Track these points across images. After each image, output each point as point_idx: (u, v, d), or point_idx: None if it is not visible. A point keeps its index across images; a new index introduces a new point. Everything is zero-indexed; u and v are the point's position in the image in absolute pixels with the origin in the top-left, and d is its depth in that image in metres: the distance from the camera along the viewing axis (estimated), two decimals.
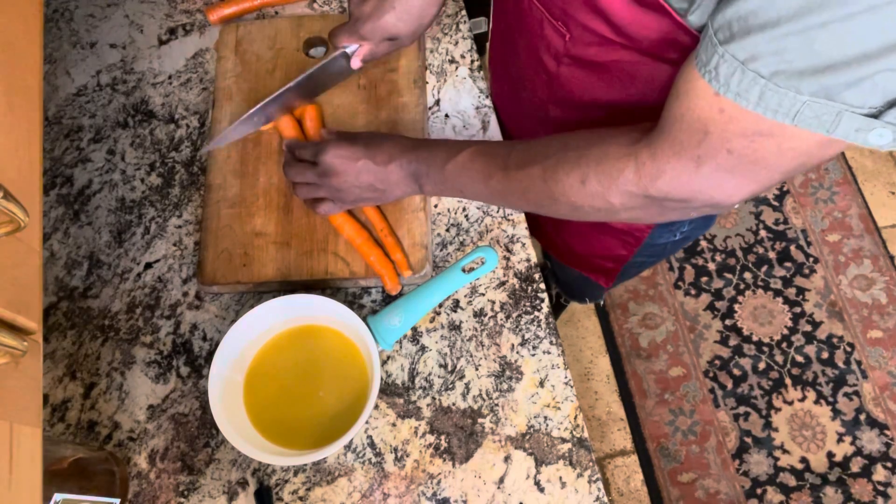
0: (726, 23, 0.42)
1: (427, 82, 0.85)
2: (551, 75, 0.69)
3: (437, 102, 0.84)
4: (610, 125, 0.70)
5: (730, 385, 1.63)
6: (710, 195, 0.51)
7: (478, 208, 0.78)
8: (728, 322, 1.69)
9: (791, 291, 1.72)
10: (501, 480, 0.67)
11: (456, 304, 0.74)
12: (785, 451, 1.56)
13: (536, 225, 1.01)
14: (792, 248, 1.77)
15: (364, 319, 0.67)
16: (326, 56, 0.71)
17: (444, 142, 0.68)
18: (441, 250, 0.77)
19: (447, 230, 0.78)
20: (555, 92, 0.71)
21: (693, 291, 1.72)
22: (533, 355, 0.72)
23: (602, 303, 1.70)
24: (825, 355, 1.65)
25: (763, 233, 1.79)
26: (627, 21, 0.54)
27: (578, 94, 0.68)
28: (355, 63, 0.71)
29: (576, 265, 1.02)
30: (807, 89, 0.40)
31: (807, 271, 1.74)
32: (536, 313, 0.73)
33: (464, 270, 0.72)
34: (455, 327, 0.73)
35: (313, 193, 0.71)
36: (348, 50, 0.70)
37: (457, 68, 0.86)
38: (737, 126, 0.45)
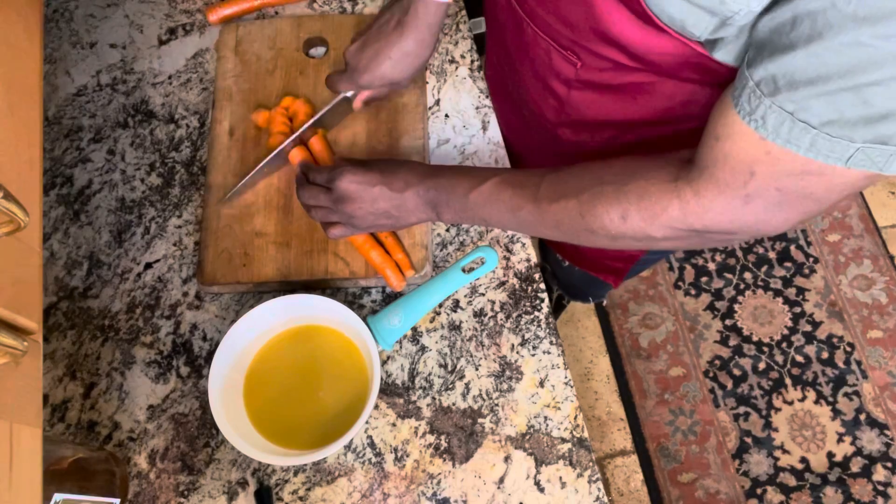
0: (769, 76, 0.42)
1: (427, 82, 0.85)
2: (561, 99, 0.68)
3: (437, 102, 0.84)
4: (627, 143, 0.69)
5: (730, 385, 1.63)
6: (757, 228, 0.51)
7: None
8: (728, 322, 1.69)
9: (791, 291, 1.72)
10: (501, 480, 0.67)
11: (456, 304, 0.74)
12: (785, 451, 1.56)
13: None
14: (792, 248, 1.77)
15: (364, 319, 0.67)
16: (329, 103, 0.74)
17: (463, 169, 0.66)
18: (441, 250, 0.77)
19: (447, 230, 0.78)
20: (566, 114, 0.70)
21: (693, 291, 1.72)
22: (533, 355, 0.72)
23: (603, 302, 1.70)
24: (825, 355, 1.65)
25: None
26: (643, 48, 0.53)
27: (592, 115, 0.67)
28: (357, 106, 0.72)
29: (585, 266, 1.01)
30: (860, 138, 0.40)
31: (807, 271, 1.74)
32: (536, 313, 0.73)
33: (464, 270, 0.72)
34: (455, 327, 0.73)
35: (327, 218, 0.69)
36: (349, 94, 0.71)
37: (457, 68, 0.86)
38: (785, 167, 0.44)
